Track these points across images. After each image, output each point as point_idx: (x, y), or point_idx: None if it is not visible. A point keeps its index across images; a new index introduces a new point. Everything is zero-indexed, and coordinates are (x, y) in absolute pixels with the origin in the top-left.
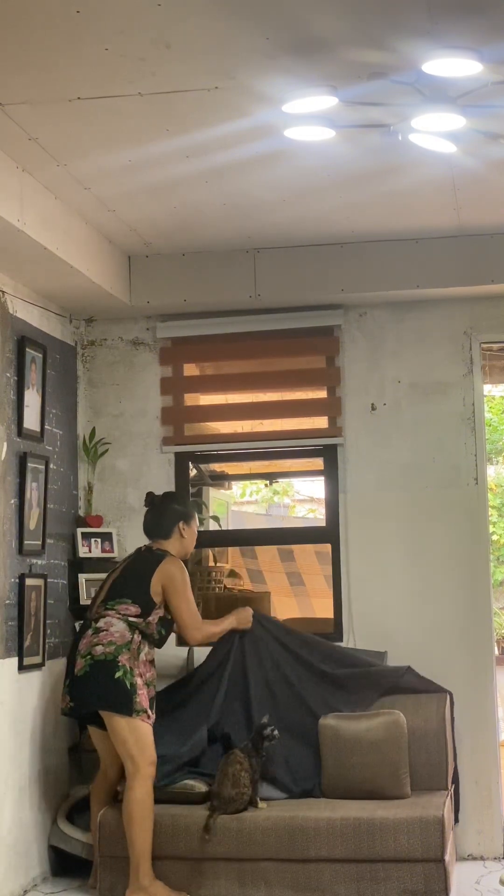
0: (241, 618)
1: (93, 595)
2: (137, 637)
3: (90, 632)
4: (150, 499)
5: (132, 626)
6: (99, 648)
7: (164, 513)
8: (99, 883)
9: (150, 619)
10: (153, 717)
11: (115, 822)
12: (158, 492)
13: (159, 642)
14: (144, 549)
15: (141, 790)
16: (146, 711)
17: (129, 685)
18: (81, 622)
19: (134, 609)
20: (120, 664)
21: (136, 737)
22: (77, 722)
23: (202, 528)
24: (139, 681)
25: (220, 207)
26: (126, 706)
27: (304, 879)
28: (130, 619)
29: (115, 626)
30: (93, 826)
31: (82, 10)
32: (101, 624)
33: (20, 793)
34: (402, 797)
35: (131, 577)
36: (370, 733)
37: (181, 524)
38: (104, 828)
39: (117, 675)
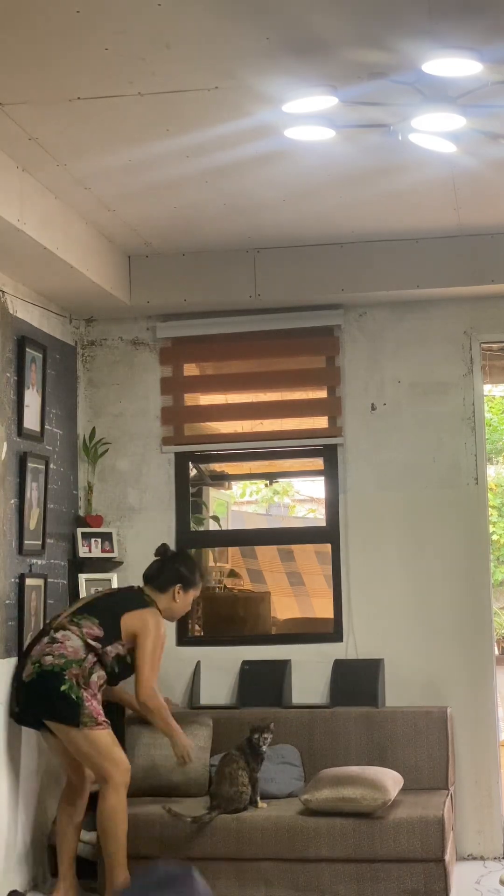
0: (183, 741)
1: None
2: (92, 658)
3: (46, 639)
4: (163, 550)
5: (89, 647)
6: (48, 659)
7: (167, 569)
8: (99, 883)
9: (108, 649)
10: (107, 720)
11: None
12: (159, 491)
13: (111, 676)
14: (137, 588)
15: (112, 799)
16: (96, 720)
17: (74, 697)
18: (42, 628)
19: (97, 631)
20: (66, 678)
21: (97, 748)
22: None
23: (202, 529)
24: (85, 694)
25: (221, 207)
26: (73, 717)
27: (304, 879)
28: (90, 640)
29: (70, 641)
30: (57, 840)
31: (82, 10)
32: (58, 635)
33: (20, 793)
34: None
35: (109, 604)
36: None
37: (178, 587)
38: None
39: (63, 687)
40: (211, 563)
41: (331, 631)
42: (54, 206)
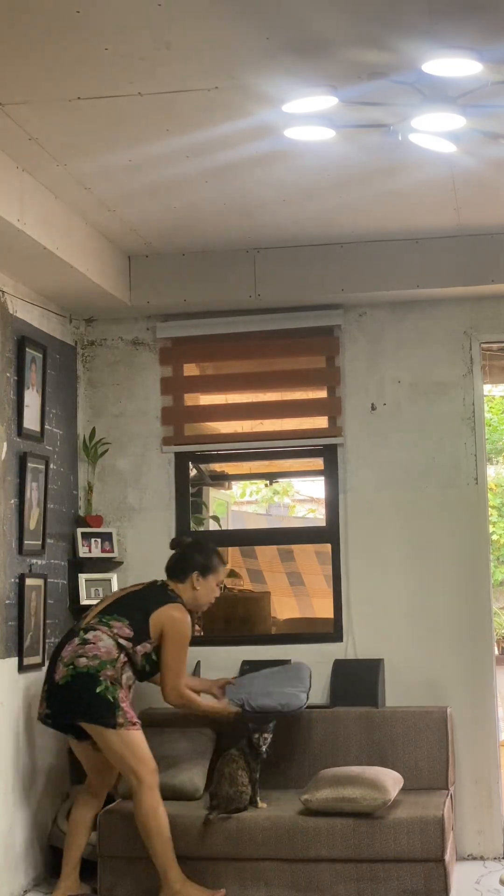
0: (221, 710)
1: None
2: (123, 658)
3: (77, 640)
4: (177, 542)
5: (120, 647)
6: (83, 661)
7: (184, 558)
8: (99, 883)
9: (139, 648)
10: (139, 721)
11: (115, 823)
12: (159, 491)
13: (141, 674)
14: (160, 583)
15: (149, 800)
16: (131, 721)
17: (111, 698)
18: (70, 629)
19: (127, 631)
20: (101, 679)
21: (131, 749)
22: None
23: (202, 529)
24: (120, 694)
25: (221, 207)
26: (110, 719)
27: (304, 879)
28: (121, 639)
29: (102, 642)
30: (67, 840)
31: (82, 10)
32: (89, 636)
33: (20, 793)
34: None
35: (136, 602)
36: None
37: (196, 574)
38: (104, 828)
39: (98, 689)
40: None
41: (331, 631)
42: (54, 206)
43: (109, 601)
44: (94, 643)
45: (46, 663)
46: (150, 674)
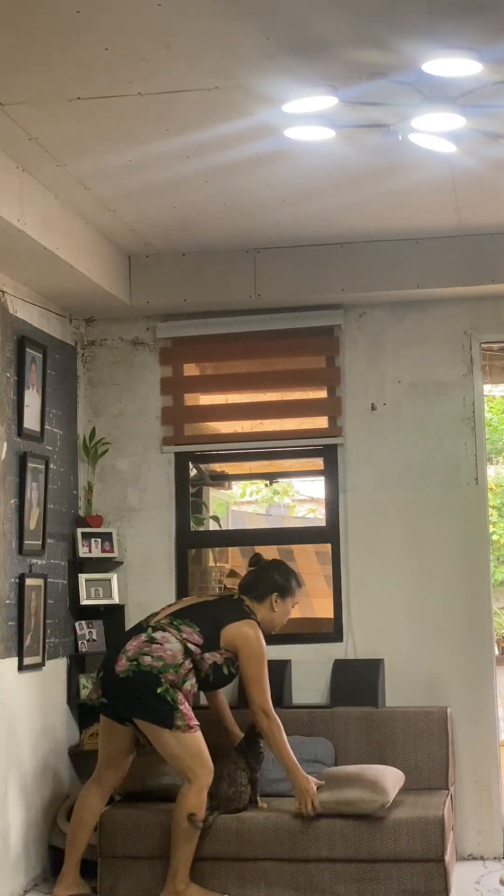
0: (305, 788)
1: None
2: (189, 664)
3: (143, 637)
4: (257, 559)
5: (187, 653)
6: (147, 659)
7: (264, 577)
8: (99, 883)
9: (207, 656)
10: (198, 723)
11: (115, 823)
12: (159, 491)
13: (204, 683)
14: (238, 597)
15: (195, 800)
16: (189, 724)
17: (170, 700)
18: (138, 623)
19: (197, 638)
20: (163, 681)
21: (189, 750)
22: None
23: (202, 529)
24: (180, 696)
25: (221, 207)
26: (168, 720)
27: (304, 879)
28: (190, 644)
29: (170, 644)
30: (69, 837)
31: (82, 10)
32: (157, 636)
33: (20, 793)
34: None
35: (209, 612)
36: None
37: (275, 596)
38: (104, 828)
39: (159, 690)
40: (211, 563)
41: (331, 631)
42: (54, 206)
43: (182, 605)
44: (160, 644)
45: (47, 663)
46: (214, 685)
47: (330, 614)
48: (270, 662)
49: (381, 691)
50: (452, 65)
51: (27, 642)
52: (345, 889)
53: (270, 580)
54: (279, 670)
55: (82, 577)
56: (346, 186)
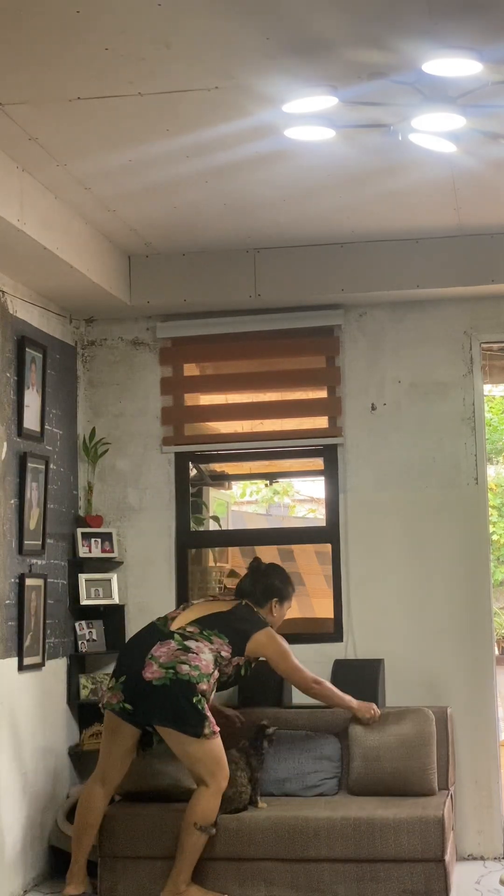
0: (363, 707)
1: (175, 611)
2: (217, 673)
3: (174, 644)
4: (257, 564)
5: (217, 662)
6: (185, 668)
7: (264, 583)
8: (99, 883)
9: (234, 660)
10: (218, 729)
11: (115, 823)
12: (159, 491)
13: (224, 684)
14: (245, 605)
15: (210, 804)
16: (214, 731)
17: (201, 708)
18: (150, 624)
19: (227, 649)
20: (198, 690)
21: (211, 756)
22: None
23: (202, 529)
24: (207, 706)
25: (221, 207)
26: (197, 729)
27: (304, 879)
28: (221, 654)
29: (205, 655)
30: (74, 838)
31: (82, 10)
32: (191, 644)
33: (20, 793)
34: (429, 794)
35: (233, 623)
36: (398, 730)
37: (275, 601)
38: (105, 828)
39: (195, 699)
40: (211, 563)
41: (331, 631)
42: (54, 206)
43: (203, 613)
44: (196, 654)
45: (47, 663)
46: (232, 684)
47: (330, 614)
48: (271, 662)
49: (381, 691)
50: (452, 65)
51: (27, 642)
52: (345, 889)
53: (271, 586)
54: None
55: (82, 577)
56: (346, 186)
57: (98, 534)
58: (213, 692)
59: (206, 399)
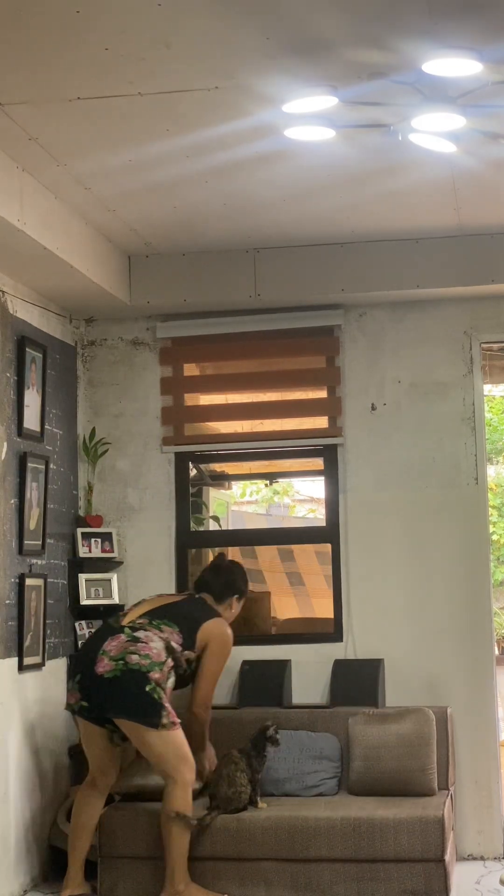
0: (212, 758)
1: (130, 606)
2: (171, 662)
3: (124, 637)
4: (220, 561)
5: (169, 650)
6: (134, 658)
7: (227, 579)
8: (99, 883)
9: (186, 653)
10: (179, 721)
11: (115, 823)
12: (159, 491)
13: (180, 679)
14: (198, 597)
15: (181, 799)
16: (173, 722)
17: (157, 697)
18: (103, 623)
19: (178, 637)
20: (151, 678)
21: (173, 748)
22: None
23: (202, 529)
24: (164, 695)
25: (221, 207)
26: (154, 719)
27: (304, 879)
28: (172, 643)
29: (154, 643)
30: (70, 840)
31: (82, 10)
32: (140, 634)
33: (20, 793)
34: (429, 794)
35: (184, 612)
36: (398, 729)
37: (235, 598)
38: (104, 828)
39: (148, 688)
40: None
41: (331, 631)
42: (54, 206)
43: (152, 606)
44: (145, 643)
45: (47, 663)
46: (189, 680)
47: (330, 614)
48: (270, 662)
49: (381, 691)
50: (452, 65)
51: (27, 642)
52: (345, 889)
53: (234, 583)
54: (279, 670)
55: (82, 577)
56: (346, 186)
57: (98, 534)
58: (171, 684)
59: (206, 399)
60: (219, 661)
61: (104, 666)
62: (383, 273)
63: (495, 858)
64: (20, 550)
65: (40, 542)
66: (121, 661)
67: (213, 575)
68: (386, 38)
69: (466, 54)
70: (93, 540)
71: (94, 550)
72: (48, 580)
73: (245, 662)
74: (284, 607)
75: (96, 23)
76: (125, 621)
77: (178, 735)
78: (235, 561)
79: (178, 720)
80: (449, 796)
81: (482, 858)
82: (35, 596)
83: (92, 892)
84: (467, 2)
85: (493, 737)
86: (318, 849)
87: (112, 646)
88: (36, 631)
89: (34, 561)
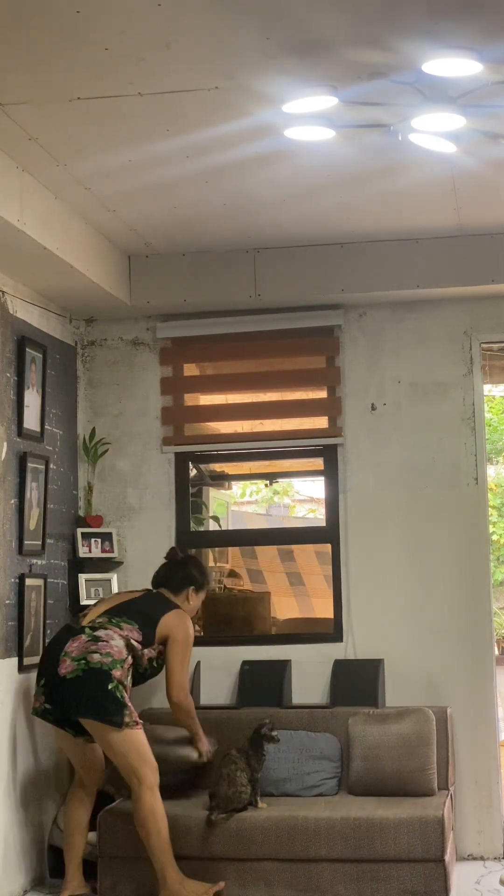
0: (203, 740)
1: (91, 606)
2: (130, 660)
3: (84, 637)
4: (174, 553)
5: (129, 648)
6: (96, 657)
7: (182, 571)
8: (99, 883)
9: (146, 651)
10: (141, 721)
11: (115, 823)
12: (159, 491)
13: (140, 677)
14: (157, 592)
15: (150, 799)
16: (136, 721)
17: (119, 696)
18: (64, 625)
19: (137, 635)
20: (113, 677)
21: (135, 748)
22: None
23: (202, 529)
24: (126, 694)
25: (220, 207)
26: (117, 718)
27: (304, 879)
28: (132, 640)
29: (115, 641)
30: (65, 841)
31: (82, 10)
32: (100, 633)
33: (20, 793)
34: (429, 794)
35: (142, 608)
36: (398, 729)
37: (191, 589)
38: (104, 828)
39: (110, 686)
40: (211, 563)
41: (331, 631)
42: (54, 206)
43: (111, 605)
44: (106, 641)
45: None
46: (149, 677)
47: (330, 614)
48: (270, 662)
49: (381, 691)
50: (452, 65)
51: (27, 642)
52: (345, 889)
53: (189, 574)
54: (279, 670)
55: (82, 577)
56: (346, 186)
57: (98, 534)
58: (129, 681)
59: (206, 399)
60: (183, 650)
61: (66, 667)
62: (383, 273)
63: (495, 858)
64: (20, 550)
65: (40, 542)
66: (82, 661)
67: (167, 569)
68: (386, 38)
69: (466, 54)
70: (93, 540)
71: (94, 550)
72: (48, 580)
73: (245, 662)
74: (284, 607)
75: (96, 23)
76: (85, 622)
77: (140, 736)
78: (192, 554)
79: (141, 721)
80: (449, 796)
81: (482, 858)
82: (35, 596)
83: (92, 892)
84: (467, 2)
85: (493, 737)
86: (318, 849)
87: (73, 647)
88: (36, 631)
89: (34, 561)
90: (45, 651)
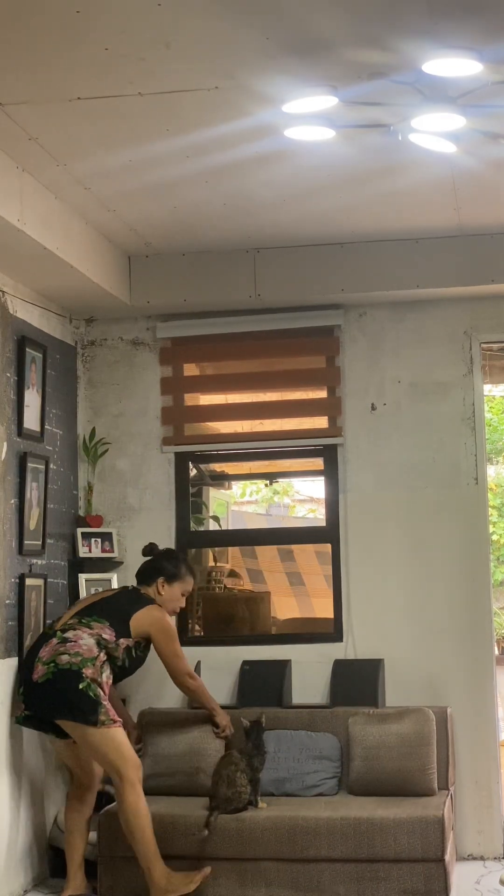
0: (225, 719)
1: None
2: (103, 655)
3: (55, 640)
4: (150, 549)
5: (101, 645)
6: (64, 658)
7: (153, 564)
8: (99, 883)
9: (120, 642)
10: (119, 719)
11: (115, 823)
12: (159, 491)
13: (120, 672)
14: (132, 588)
15: (132, 798)
16: (112, 718)
17: (93, 695)
18: (42, 633)
19: (109, 632)
20: (84, 676)
21: (114, 746)
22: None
23: (202, 529)
24: (101, 692)
25: (220, 207)
26: (92, 716)
27: (304, 879)
28: (103, 637)
29: (84, 640)
30: (66, 840)
31: (82, 10)
32: (69, 635)
33: (20, 793)
34: (429, 794)
35: (113, 606)
36: (398, 729)
37: (161, 580)
38: (104, 828)
39: (81, 685)
40: (211, 563)
41: (331, 631)
42: (54, 206)
43: (84, 605)
44: (74, 641)
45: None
46: (129, 671)
47: (330, 614)
48: (270, 662)
49: (381, 691)
50: (452, 65)
51: (27, 642)
52: (345, 889)
53: (158, 566)
54: (279, 670)
55: (82, 577)
56: (346, 186)
57: (98, 534)
58: (107, 677)
59: (206, 399)
60: (167, 641)
61: (38, 672)
62: (383, 273)
63: (495, 858)
64: (20, 550)
65: (40, 542)
66: (52, 664)
67: (142, 565)
68: (386, 38)
69: (466, 54)
70: (93, 540)
71: (94, 550)
72: (48, 580)
73: (245, 662)
74: (284, 607)
75: (96, 23)
76: (58, 626)
77: (119, 733)
78: (170, 549)
79: (119, 718)
80: (449, 796)
81: (482, 858)
82: (35, 596)
83: (92, 892)
84: (467, 2)
85: (493, 737)
86: (318, 849)
87: (45, 651)
88: (36, 631)
89: (34, 561)
90: (24, 660)
